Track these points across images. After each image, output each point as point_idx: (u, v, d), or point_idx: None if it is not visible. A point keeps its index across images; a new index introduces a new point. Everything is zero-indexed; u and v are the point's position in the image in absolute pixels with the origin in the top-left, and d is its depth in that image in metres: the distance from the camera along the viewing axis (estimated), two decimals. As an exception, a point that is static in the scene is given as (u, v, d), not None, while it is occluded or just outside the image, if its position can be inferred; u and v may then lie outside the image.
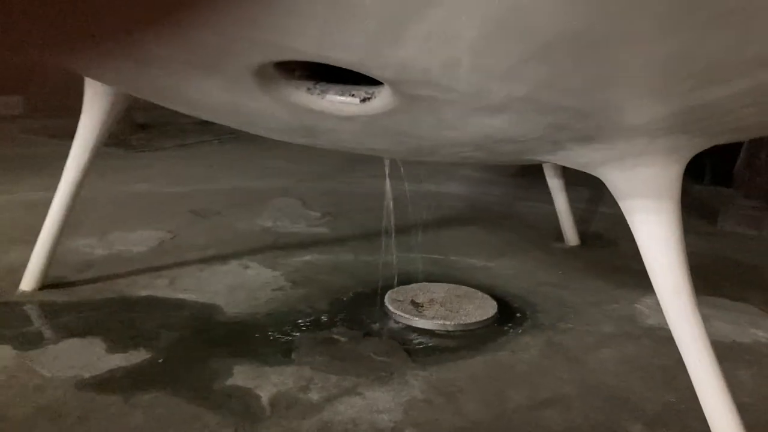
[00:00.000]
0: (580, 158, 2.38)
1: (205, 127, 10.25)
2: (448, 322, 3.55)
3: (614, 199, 2.69)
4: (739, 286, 4.63)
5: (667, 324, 3.79)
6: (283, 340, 3.37)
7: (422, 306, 3.75)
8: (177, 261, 4.42)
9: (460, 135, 2.14)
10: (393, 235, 4.44)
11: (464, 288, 4.08)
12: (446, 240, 5.14)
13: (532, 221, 5.90)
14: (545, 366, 3.23)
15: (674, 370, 3.26)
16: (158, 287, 3.99)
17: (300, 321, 3.60)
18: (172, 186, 6.46)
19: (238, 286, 4.06)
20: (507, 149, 2.39)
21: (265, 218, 5.56)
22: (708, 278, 4.77)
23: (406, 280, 4.14)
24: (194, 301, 3.82)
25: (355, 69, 1.76)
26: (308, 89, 2.06)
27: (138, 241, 4.78)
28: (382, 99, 1.97)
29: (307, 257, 4.66)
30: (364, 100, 2.02)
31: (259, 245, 4.85)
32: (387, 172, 3.85)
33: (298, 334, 3.44)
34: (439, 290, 4.01)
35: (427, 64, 1.63)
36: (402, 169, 4.43)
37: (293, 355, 3.20)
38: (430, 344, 3.41)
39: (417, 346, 3.37)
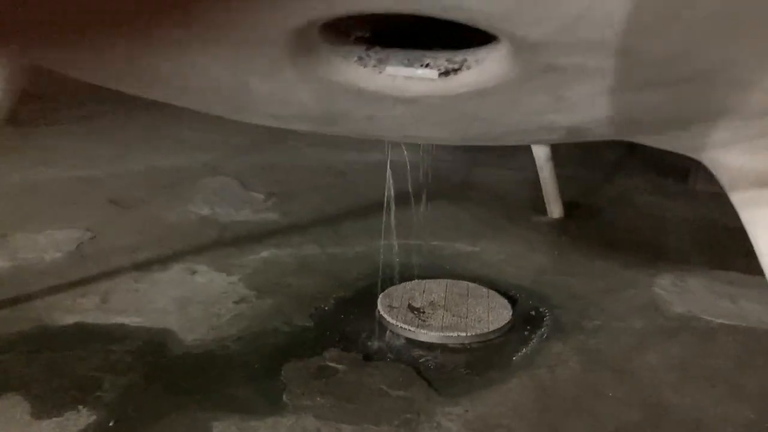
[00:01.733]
0: (694, 140, 1.78)
1: (105, 93, 9.04)
2: (462, 334, 2.93)
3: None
4: (742, 255, 4.21)
5: (697, 311, 3.36)
6: (266, 375, 2.65)
7: (423, 312, 3.12)
8: (104, 270, 3.56)
9: (571, 118, 1.48)
10: (390, 216, 3.75)
11: (464, 284, 3.47)
12: (417, 219, 4.48)
13: (500, 191, 5.35)
14: (594, 384, 2.67)
15: (734, 376, 2.80)
16: (87, 309, 3.15)
17: (281, 345, 2.89)
18: (80, 169, 5.44)
19: (190, 300, 3.28)
20: (609, 132, 1.75)
21: (199, 204, 4.72)
22: (703, 247, 4.39)
23: (390, 274, 3.47)
24: (138, 327, 3.01)
25: (483, 24, 1.06)
26: (359, 58, 1.33)
27: (49, 245, 3.86)
28: (484, 70, 1.27)
29: (265, 253, 3.90)
30: (446, 73, 1.31)
31: (202, 241, 4.04)
32: (388, 158, 3.11)
33: (282, 364, 2.72)
34: (436, 289, 3.37)
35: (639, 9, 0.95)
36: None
37: (285, 397, 2.50)
38: (449, 365, 2.78)
39: (435, 370, 2.73)
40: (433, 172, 5.82)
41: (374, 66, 1.33)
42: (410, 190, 3.91)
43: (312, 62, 1.27)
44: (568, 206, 4.88)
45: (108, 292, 3.33)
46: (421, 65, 1.33)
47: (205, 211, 4.61)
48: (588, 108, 1.40)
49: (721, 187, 5.52)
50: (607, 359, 2.86)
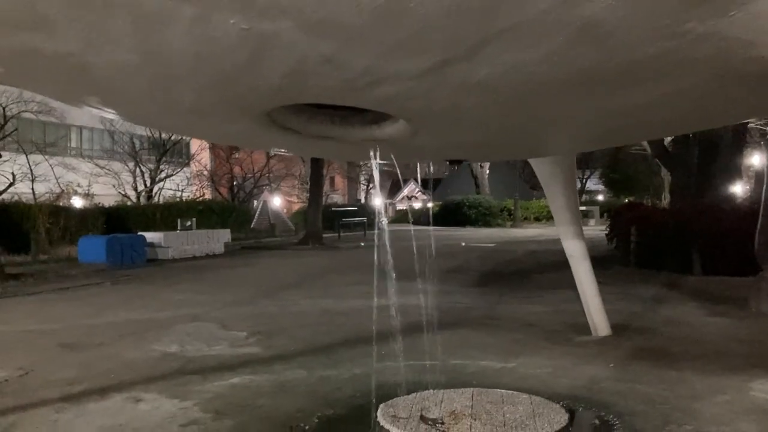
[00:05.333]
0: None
1: (93, 271, 8.55)
2: (501, 441, 2.01)
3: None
4: None
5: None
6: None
7: (441, 423, 2.20)
8: (21, 403, 2.71)
9: None
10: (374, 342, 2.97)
11: (498, 392, 2.56)
12: (435, 344, 3.61)
13: (529, 320, 4.48)
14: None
15: None
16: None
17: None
18: (39, 324, 4.71)
19: (123, 428, 2.39)
20: None
21: (166, 343, 3.90)
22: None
23: (394, 393, 2.58)
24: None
25: None
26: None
27: (-38, 383, 3.02)
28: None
29: (235, 380, 3.03)
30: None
31: (158, 372, 3.19)
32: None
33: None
34: (458, 398, 2.47)
35: None
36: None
37: None
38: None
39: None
40: (450, 311, 5.05)
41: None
42: (421, 320, 3.17)
43: None
44: (616, 329, 4.00)
45: (14, 424, 2.45)
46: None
47: (172, 348, 3.77)
48: None
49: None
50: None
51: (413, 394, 2.50)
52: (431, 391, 2.55)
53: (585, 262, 3.64)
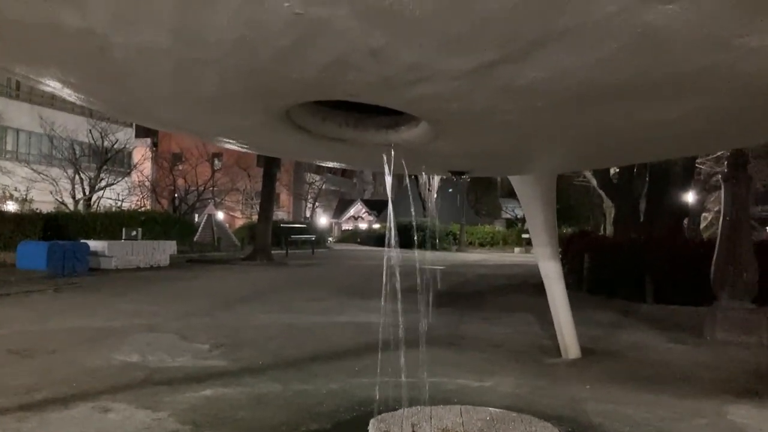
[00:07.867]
0: None
1: (34, 278, 8.17)
2: (503, 457, 1.96)
3: None
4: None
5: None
6: None
7: (435, 439, 2.14)
8: (-22, 411, 2.52)
9: None
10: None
11: (486, 409, 2.51)
12: (406, 362, 3.55)
13: (496, 341, 4.47)
14: None
15: None
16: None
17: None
18: (-20, 329, 4.45)
19: (93, 438, 2.25)
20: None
21: (126, 353, 3.73)
22: (762, 381, 3.53)
23: (378, 408, 2.51)
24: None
25: None
26: None
27: None
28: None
29: (207, 392, 2.90)
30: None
31: (122, 382, 3.03)
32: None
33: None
34: (447, 415, 2.42)
35: None
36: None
37: None
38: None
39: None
40: (411, 327, 5.00)
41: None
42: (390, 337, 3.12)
43: None
44: (583, 352, 4.02)
45: (-28, 434, 2.28)
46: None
47: (134, 358, 3.60)
48: None
49: (743, 335, 4.82)
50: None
51: (401, 410, 2.43)
52: (418, 407, 2.48)
53: (560, 283, 3.65)
